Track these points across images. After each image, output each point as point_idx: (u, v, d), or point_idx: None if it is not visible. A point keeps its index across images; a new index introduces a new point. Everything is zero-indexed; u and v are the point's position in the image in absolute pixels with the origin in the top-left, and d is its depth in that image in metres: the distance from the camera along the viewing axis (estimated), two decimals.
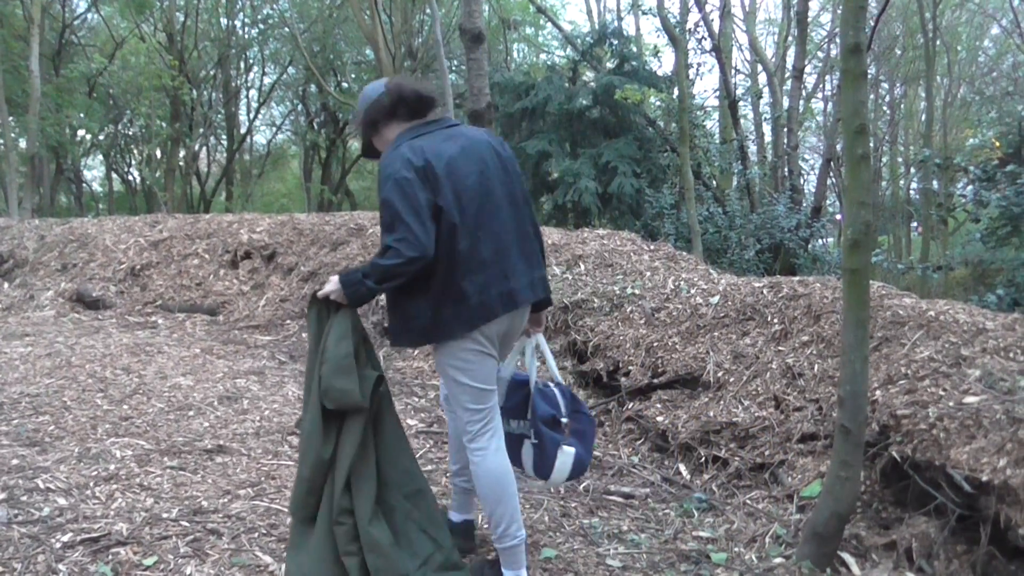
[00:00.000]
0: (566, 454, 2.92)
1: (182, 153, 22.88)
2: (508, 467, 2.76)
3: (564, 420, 3.01)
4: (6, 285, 9.13)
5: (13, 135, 18.62)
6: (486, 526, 3.13)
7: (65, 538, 2.91)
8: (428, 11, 19.56)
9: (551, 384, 3.10)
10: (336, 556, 2.62)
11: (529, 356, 3.10)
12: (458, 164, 2.67)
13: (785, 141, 15.30)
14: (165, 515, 3.20)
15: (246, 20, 23.98)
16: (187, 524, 3.12)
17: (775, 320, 4.48)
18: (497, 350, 2.79)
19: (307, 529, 2.69)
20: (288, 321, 7.81)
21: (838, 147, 15.36)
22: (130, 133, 24.67)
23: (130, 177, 27.55)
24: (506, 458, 2.78)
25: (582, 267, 6.11)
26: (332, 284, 2.67)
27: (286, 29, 22.46)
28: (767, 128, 21.59)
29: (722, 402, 4.14)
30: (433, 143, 2.69)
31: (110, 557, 2.80)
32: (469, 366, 2.70)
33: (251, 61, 25.87)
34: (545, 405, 3.00)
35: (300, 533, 2.70)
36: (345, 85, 24.93)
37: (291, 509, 2.77)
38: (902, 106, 28.42)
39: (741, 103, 18.36)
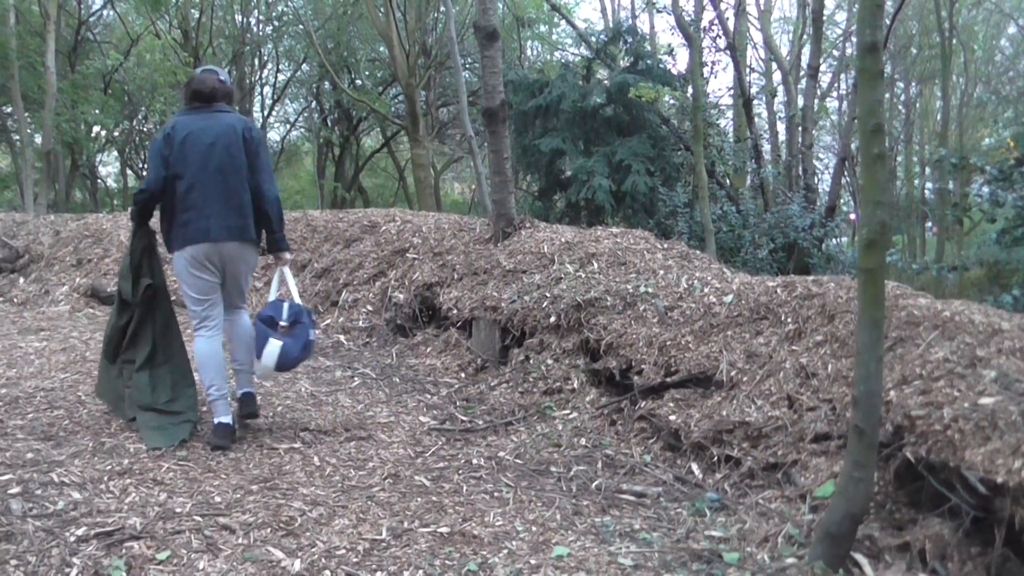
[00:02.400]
0: (273, 345, 4.16)
1: None
2: (215, 351, 4.15)
3: (282, 323, 4.23)
4: (22, 280, 9.19)
5: (29, 131, 18.77)
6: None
7: (79, 532, 2.92)
8: (442, 8, 19.57)
9: (287, 302, 4.33)
10: (120, 388, 4.31)
11: (275, 282, 4.48)
12: (194, 136, 3.97)
13: (799, 140, 15.21)
14: (178, 510, 3.21)
15: (261, 17, 24.06)
16: (200, 519, 3.13)
17: (789, 319, 4.46)
18: (218, 273, 4.11)
19: (108, 365, 4.41)
20: None
21: (853, 146, 15.28)
22: (145, 129, 24.77)
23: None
24: (214, 345, 4.15)
25: (595, 265, 6.10)
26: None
27: (300, 26, 22.51)
28: (781, 127, 21.48)
29: (735, 401, 4.12)
30: (189, 119, 4.03)
31: (124, 551, 2.82)
32: (188, 278, 4.08)
33: (265, 58, 25.95)
34: (269, 311, 4.29)
35: (103, 367, 4.47)
36: (359, 82, 24.98)
37: (102, 351, 4.45)
38: (918, 105, 28.28)
39: (755, 101, 18.29)
